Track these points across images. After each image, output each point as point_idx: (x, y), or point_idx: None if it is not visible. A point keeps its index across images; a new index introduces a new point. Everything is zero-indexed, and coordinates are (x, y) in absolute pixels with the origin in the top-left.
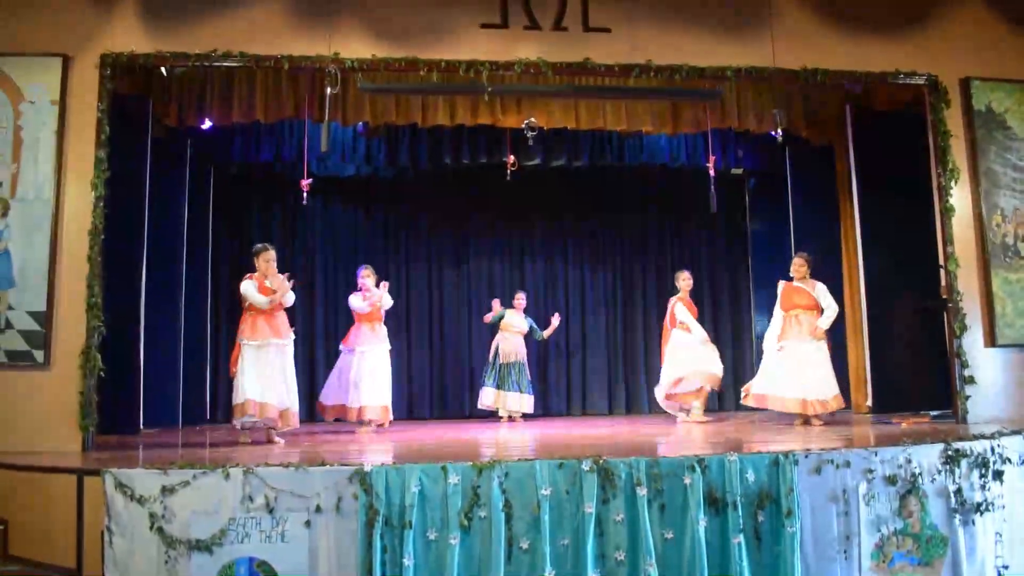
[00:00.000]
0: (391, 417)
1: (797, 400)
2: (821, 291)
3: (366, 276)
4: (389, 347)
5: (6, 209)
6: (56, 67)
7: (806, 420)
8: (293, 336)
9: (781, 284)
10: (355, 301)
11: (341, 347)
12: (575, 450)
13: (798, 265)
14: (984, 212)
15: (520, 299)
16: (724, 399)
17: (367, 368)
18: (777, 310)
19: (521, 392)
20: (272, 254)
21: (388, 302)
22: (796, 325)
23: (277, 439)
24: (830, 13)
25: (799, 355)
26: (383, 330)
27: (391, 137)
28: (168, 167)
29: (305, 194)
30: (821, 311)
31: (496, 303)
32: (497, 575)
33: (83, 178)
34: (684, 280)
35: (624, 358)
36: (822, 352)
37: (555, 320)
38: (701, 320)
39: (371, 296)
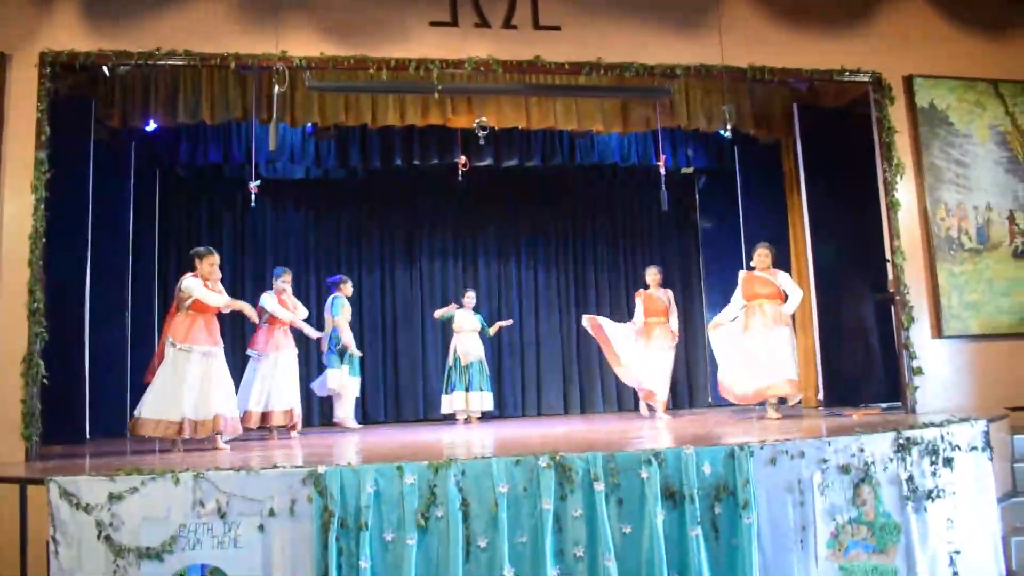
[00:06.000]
0: (299, 422)
1: (761, 387)
2: (784, 279)
3: (287, 282)
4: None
5: None
6: None
7: (763, 414)
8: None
9: (742, 274)
10: (272, 305)
11: (250, 351)
12: (532, 447)
13: (762, 255)
14: (929, 206)
15: (470, 297)
16: (682, 395)
17: (284, 372)
18: (737, 299)
19: (482, 391)
20: (216, 259)
21: (303, 313)
22: (760, 314)
23: (222, 444)
24: (777, 11)
25: (763, 342)
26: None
27: (341, 138)
28: (112, 170)
29: (253, 196)
30: (784, 299)
31: (453, 306)
32: (456, 575)
33: (23, 181)
34: (650, 275)
35: (578, 357)
36: (786, 337)
37: (505, 322)
38: None
39: (291, 307)
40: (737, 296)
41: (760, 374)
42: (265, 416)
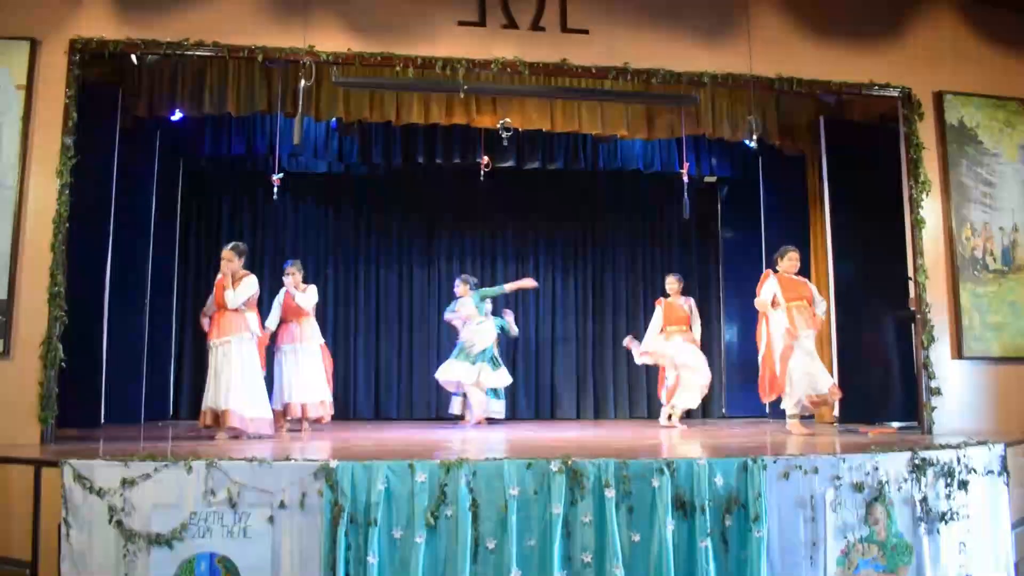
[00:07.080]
0: (331, 412)
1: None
2: (812, 285)
3: (292, 273)
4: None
5: None
6: (23, 51)
7: (803, 417)
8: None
9: (773, 276)
10: (275, 308)
11: (276, 347)
12: (544, 451)
13: (795, 258)
14: (954, 225)
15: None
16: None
17: (307, 364)
18: (774, 301)
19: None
20: (227, 253)
21: (313, 300)
22: (801, 316)
23: (220, 434)
24: (807, 23)
25: (808, 346)
26: (315, 325)
27: (364, 134)
28: (136, 158)
29: (275, 189)
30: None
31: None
32: (463, 575)
33: (48, 165)
34: (670, 284)
35: (593, 363)
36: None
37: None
38: None
39: (300, 298)
40: (776, 298)
41: (815, 383)
42: (290, 408)
